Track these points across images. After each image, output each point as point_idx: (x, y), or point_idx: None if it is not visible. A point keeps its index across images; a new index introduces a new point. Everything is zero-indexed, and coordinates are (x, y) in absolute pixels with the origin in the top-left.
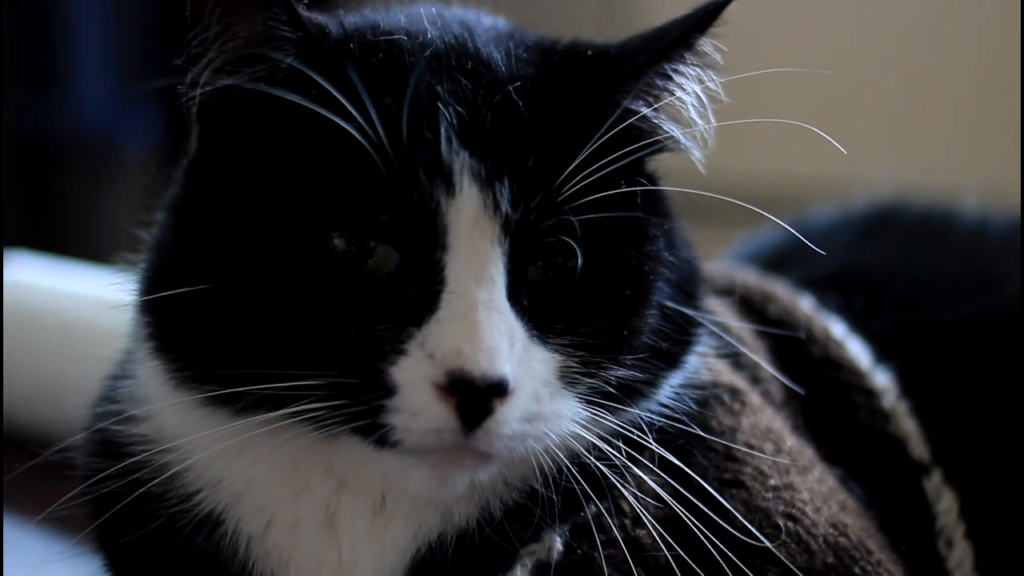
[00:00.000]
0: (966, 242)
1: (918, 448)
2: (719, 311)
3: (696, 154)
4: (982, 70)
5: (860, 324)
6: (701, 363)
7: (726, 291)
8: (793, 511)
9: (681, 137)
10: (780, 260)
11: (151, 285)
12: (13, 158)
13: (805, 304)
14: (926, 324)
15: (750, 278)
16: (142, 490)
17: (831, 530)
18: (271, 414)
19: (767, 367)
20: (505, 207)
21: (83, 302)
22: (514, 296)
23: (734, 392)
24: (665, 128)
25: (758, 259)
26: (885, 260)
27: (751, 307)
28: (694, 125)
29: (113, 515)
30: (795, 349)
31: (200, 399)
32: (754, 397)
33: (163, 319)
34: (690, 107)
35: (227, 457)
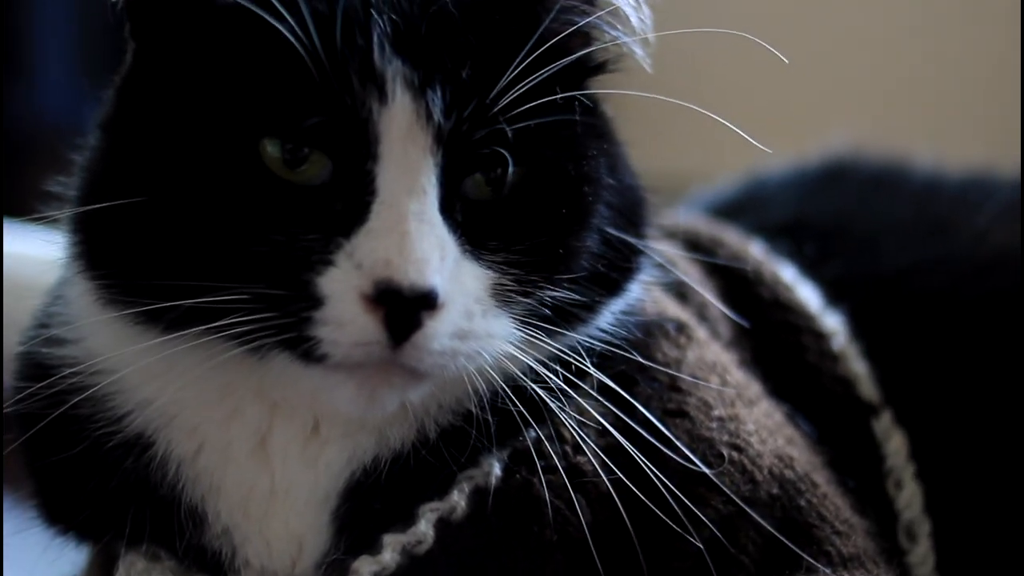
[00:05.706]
0: (919, 193)
1: (867, 389)
2: (668, 252)
3: (638, 52)
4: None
5: (811, 269)
6: (645, 293)
7: (671, 235)
8: (738, 441)
9: (622, 35)
10: (733, 210)
11: (81, 202)
12: None
13: (755, 249)
14: (877, 270)
15: (699, 223)
16: (64, 409)
17: (776, 462)
18: (199, 328)
19: (716, 304)
20: (438, 116)
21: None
22: (447, 209)
23: (680, 325)
24: (603, 30)
25: (712, 209)
26: (838, 210)
27: (700, 251)
28: (631, 24)
29: (40, 436)
30: (744, 292)
31: (128, 316)
32: (700, 332)
33: (92, 236)
34: (626, 7)
35: (157, 378)
